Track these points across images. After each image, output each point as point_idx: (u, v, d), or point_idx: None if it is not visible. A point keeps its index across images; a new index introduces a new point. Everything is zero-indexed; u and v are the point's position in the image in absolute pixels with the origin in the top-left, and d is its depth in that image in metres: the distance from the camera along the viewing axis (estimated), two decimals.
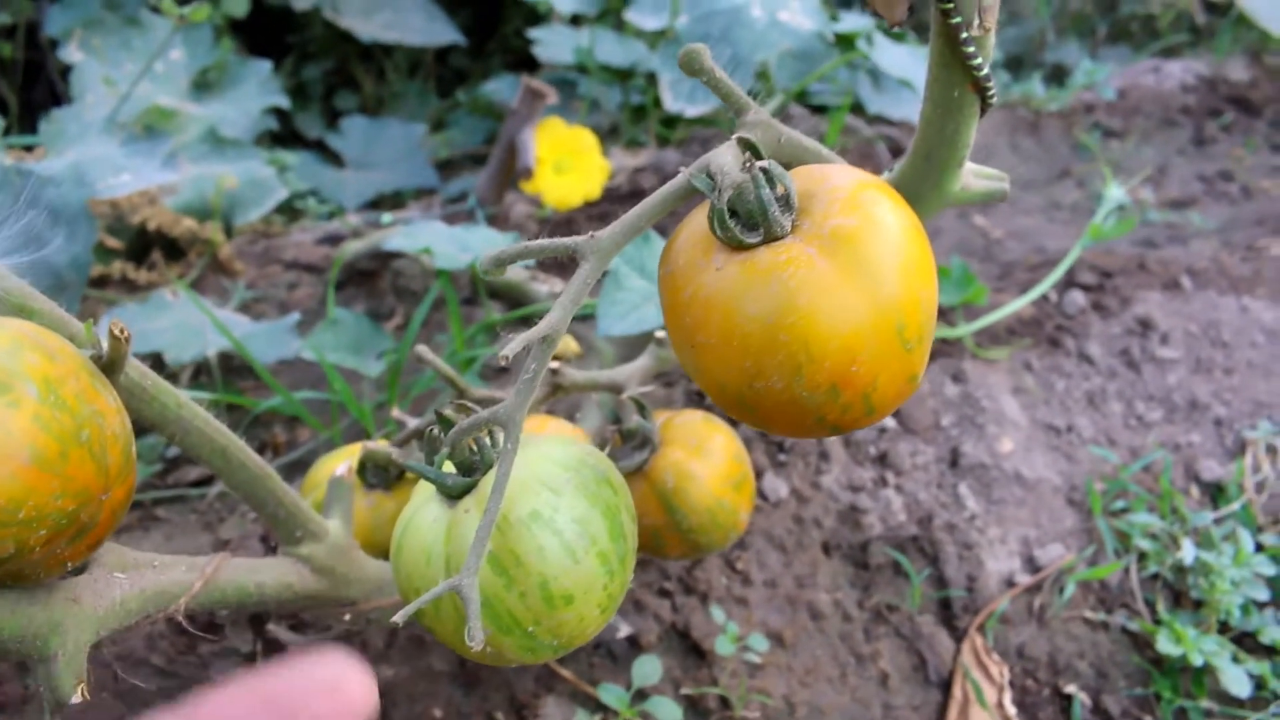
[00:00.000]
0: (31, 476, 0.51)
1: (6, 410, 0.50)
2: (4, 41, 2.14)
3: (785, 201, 0.54)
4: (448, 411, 0.62)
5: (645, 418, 0.86)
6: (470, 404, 0.60)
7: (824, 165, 0.59)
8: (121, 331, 0.58)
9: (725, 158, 0.54)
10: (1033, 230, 1.86)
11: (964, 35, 0.58)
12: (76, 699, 0.58)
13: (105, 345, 0.59)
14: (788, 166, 0.59)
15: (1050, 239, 1.80)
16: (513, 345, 0.51)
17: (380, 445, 0.87)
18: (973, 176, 0.74)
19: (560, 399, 1.04)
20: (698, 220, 0.57)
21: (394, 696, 0.99)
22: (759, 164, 0.53)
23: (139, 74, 1.53)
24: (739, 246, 0.54)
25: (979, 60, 0.60)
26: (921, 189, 0.71)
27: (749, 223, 0.54)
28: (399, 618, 0.51)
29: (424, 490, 0.62)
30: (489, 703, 0.99)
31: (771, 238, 0.53)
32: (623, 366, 0.90)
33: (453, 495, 0.59)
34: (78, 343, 0.60)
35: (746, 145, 0.55)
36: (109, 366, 0.60)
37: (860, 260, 0.52)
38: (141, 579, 0.65)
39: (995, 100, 0.64)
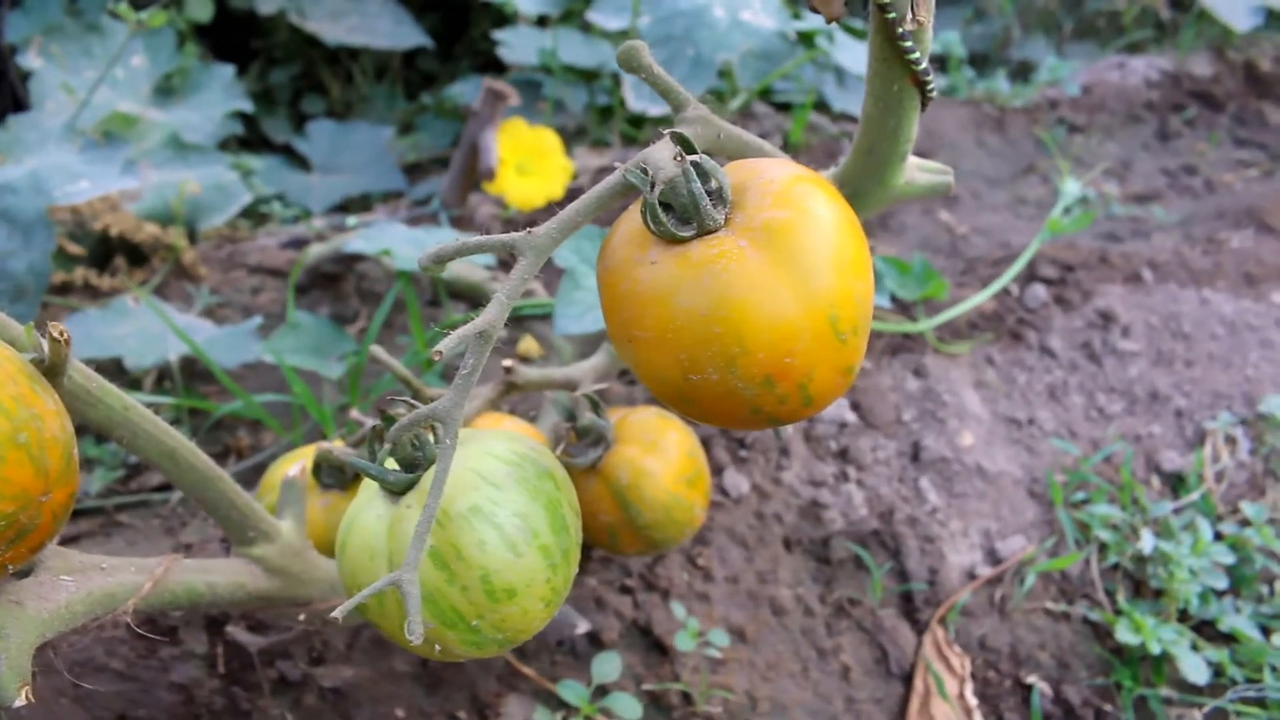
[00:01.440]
0: None
1: None
2: None
3: (718, 195, 0.54)
4: (393, 410, 0.62)
5: (599, 414, 0.86)
6: (414, 402, 0.60)
7: (759, 159, 0.59)
8: (61, 334, 0.58)
9: (659, 153, 0.55)
10: (998, 226, 1.87)
11: (900, 30, 0.59)
12: (21, 702, 0.58)
13: (46, 348, 0.59)
14: (728, 162, 0.60)
15: (1015, 234, 1.81)
16: (448, 341, 0.51)
17: (334, 446, 0.87)
18: (917, 170, 0.74)
19: (522, 398, 1.04)
20: (634, 216, 0.57)
21: (356, 697, 0.99)
22: (690, 158, 0.54)
23: (98, 80, 1.53)
24: (673, 240, 0.54)
25: (916, 54, 0.61)
26: (865, 184, 0.71)
27: (682, 216, 0.54)
28: (339, 613, 0.51)
29: (369, 488, 0.62)
30: (451, 702, 1.00)
31: (704, 231, 0.54)
32: (578, 364, 0.91)
33: (395, 491, 0.59)
34: (19, 346, 0.60)
35: (679, 140, 0.55)
36: (51, 370, 0.60)
37: (792, 252, 0.52)
38: (89, 582, 0.65)
39: (935, 94, 0.65)
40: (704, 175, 0.54)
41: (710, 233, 0.54)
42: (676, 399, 0.56)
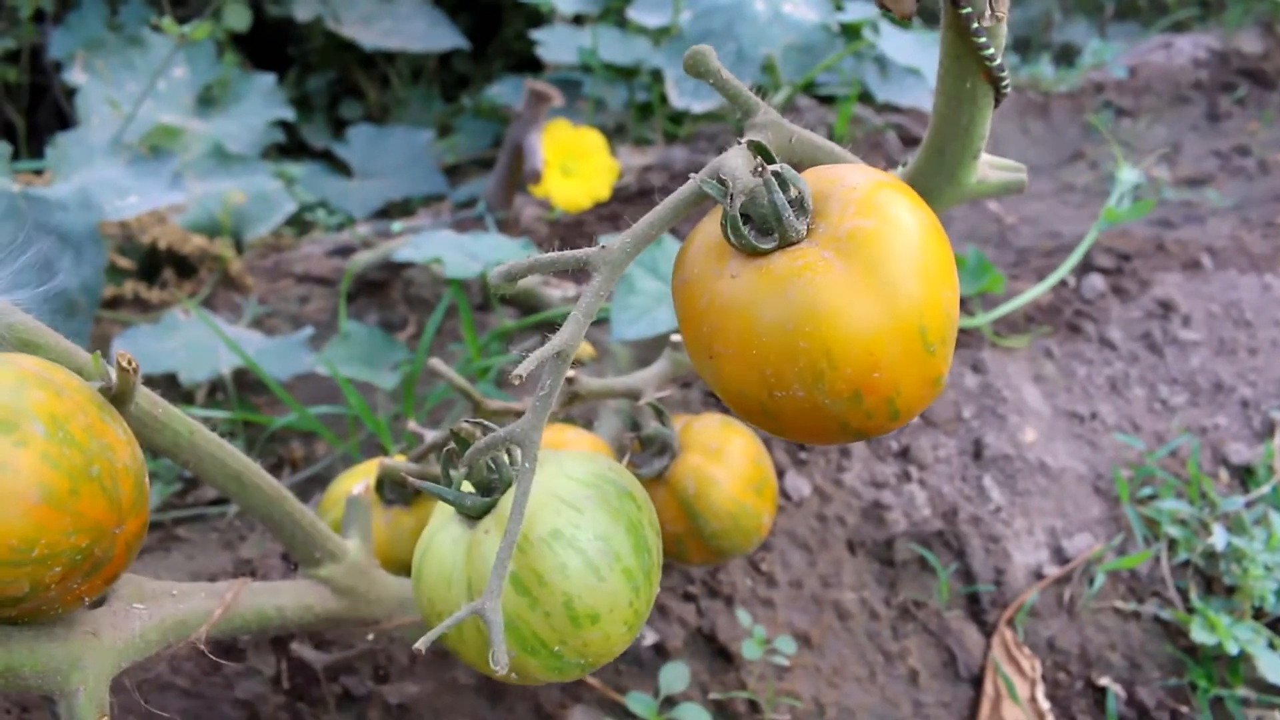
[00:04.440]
0: (43, 515, 0.50)
1: (14, 449, 0.49)
2: (9, 66, 2.14)
3: (799, 205, 0.53)
4: (463, 429, 0.61)
5: (664, 423, 0.85)
6: (485, 422, 0.59)
7: (838, 165, 0.57)
8: (129, 363, 0.57)
9: (735, 162, 0.53)
10: (1046, 215, 1.84)
11: (975, 26, 0.57)
12: None
13: (114, 376, 0.58)
14: (800, 166, 0.58)
15: (1064, 223, 1.78)
16: (526, 364, 0.50)
17: (397, 461, 0.87)
18: (989, 168, 0.72)
19: (578, 406, 1.03)
20: (710, 227, 0.56)
21: (420, 712, 0.98)
22: (771, 168, 0.52)
23: (142, 94, 1.53)
24: (754, 253, 0.52)
25: (991, 50, 0.59)
26: (936, 183, 0.69)
27: (763, 228, 0.53)
28: (421, 644, 0.50)
29: (443, 511, 0.61)
30: (515, 714, 0.99)
31: (786, 242, 0.52)
32: (639, 372, 0.89)
33: (472, 516, 0.58)
34: (85, 374, 0.60)
35: (757, 149, 0.53)
36: (118, 398, 0.59)
37: (879, 263, 0.50)
38: (160, 609, 0.65)
39: (1009, 90, 0.63)
40: (784, 184, 0.52)
41: (792, 244, 0.52)
42: (760, 415, 0.54)
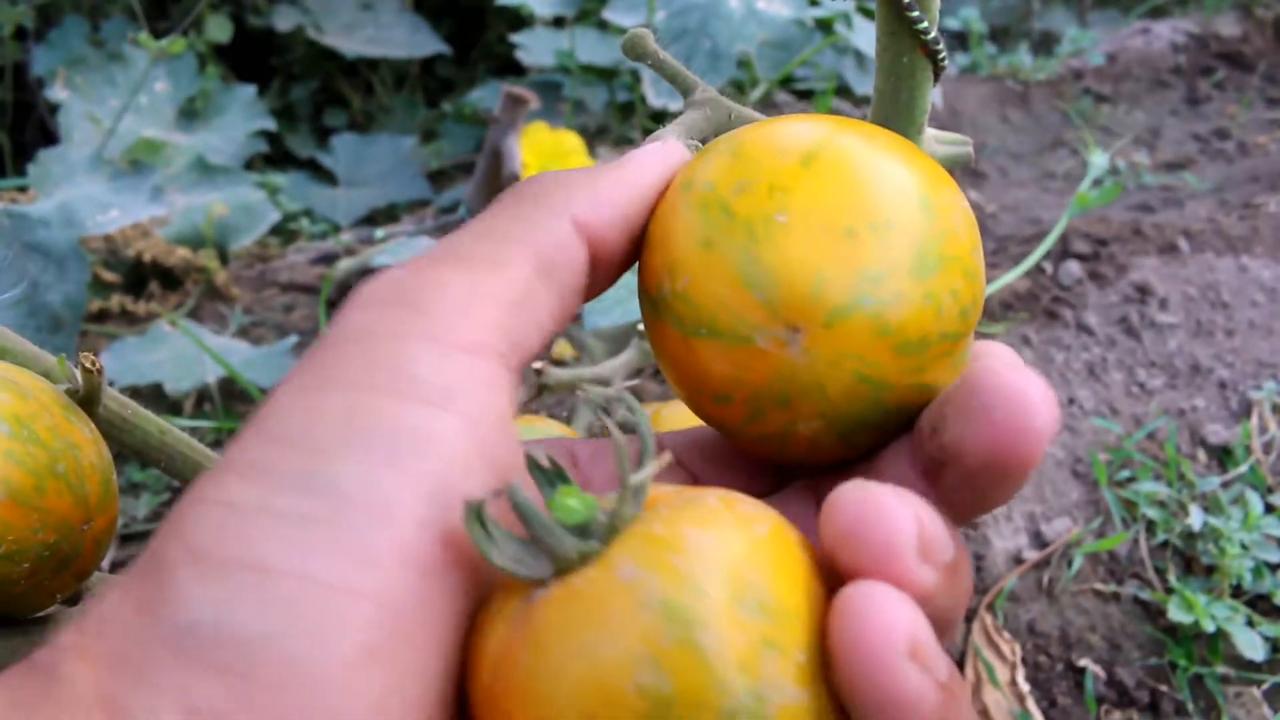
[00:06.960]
0: (8, 512, 0.51)
1: None
2: None
3: None
4: None
5: (633, 411, 0.86)
6: None
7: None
8: (94, 364, 0.59)
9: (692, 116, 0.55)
10: (1026, 202, 1.85)
11: (906, 0, 0.58)
12: None
13: (79, 378, 0.60)
14: None
15: (1044, 210, 1.79)
16: None
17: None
18: (935, 143, 0.74)
19: (548, 397, 1.04)
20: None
21: None
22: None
23: (121, 109, 1.54)
24: None
25: (924, 24, 0.60)
26: None
27: None
28: None
29: None
30: None
31: None
32: (607, 361, 0.91)
33: None
34: (53, 378, 0.61)
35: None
36: (86, 400, 0.60)
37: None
38: None
39: (946, 64, 0.64)
40: None
41: None
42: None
